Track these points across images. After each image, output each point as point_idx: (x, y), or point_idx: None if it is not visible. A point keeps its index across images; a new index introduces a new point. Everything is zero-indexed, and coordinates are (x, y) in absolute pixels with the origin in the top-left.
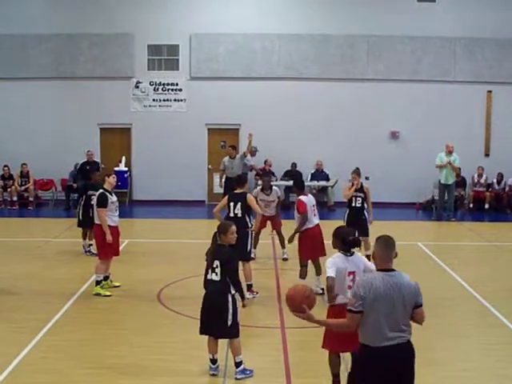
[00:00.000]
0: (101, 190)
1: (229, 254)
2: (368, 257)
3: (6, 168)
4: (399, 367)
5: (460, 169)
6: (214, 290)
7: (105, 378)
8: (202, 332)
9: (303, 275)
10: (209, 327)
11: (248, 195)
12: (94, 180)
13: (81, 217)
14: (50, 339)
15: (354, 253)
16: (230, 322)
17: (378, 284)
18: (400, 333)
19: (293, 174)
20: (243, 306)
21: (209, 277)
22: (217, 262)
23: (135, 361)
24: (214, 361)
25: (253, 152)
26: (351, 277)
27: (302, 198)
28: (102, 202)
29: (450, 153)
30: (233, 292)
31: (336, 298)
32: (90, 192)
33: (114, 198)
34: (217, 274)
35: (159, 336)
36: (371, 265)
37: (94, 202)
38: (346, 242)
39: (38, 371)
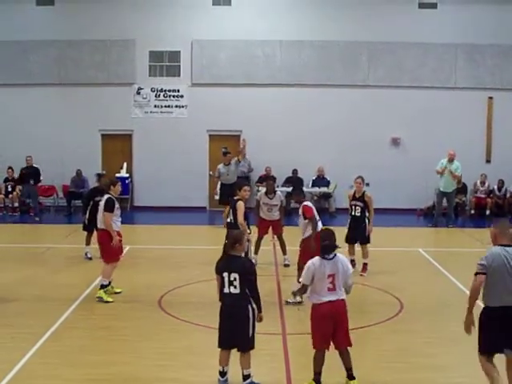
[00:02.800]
0: (108, 196)
1: (248, 265)
2: (365, 265)
3: (10, 170)
4: (509, 318)
5: (461, 175)
6: (234, 304)
7: None
8: (222, 346)
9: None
10: (232, 341)
11: (238, 202)
12: (102, 186)
13: (86, 221)
14: (51, 345)
15: (335, 255)
16: (251, 334)
17: (498, 255)
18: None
19: (294, 180)
20: (259, 319)
21: (226, 290)
22: (235, 275)
23: (136, 367)
24: (223, 374)
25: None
26: (330, 279)
27: (307, 203)
28: (110, 207)
29: (451, 160)
30: (253, 303)
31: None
32: (98, 198)
33: (117, 205)
34: (235, 287)
35: (160, 342)
36: (350, 269)
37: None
38: (322, 245)
39: (38, 377)
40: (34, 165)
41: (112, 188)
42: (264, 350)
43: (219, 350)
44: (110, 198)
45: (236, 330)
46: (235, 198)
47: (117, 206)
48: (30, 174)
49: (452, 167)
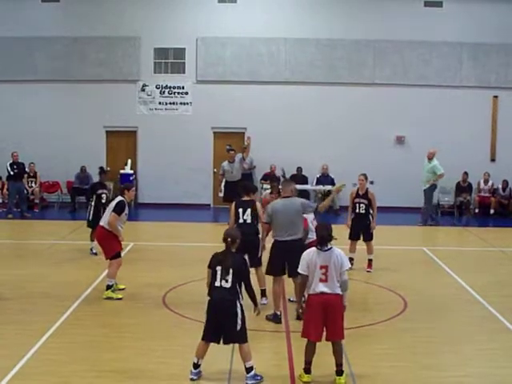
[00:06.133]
0: (121, 198)
1: (243, 262)
2: (370, 261)
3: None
4: (289, 250)
5: (443, 173)
6: (224, 297)
7: (109, 381)
8: (209, 339)
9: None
10: (218, 334)
11: (257, 203)
12: (102, 180)
13: (91, 217)
14: (55, 342)
15: (331, 248)
16: (238, 327)
17: (278, 206)
18: (291, 234)
19: (298, 178)
20: (257, 313)
21: (217, 284)
22: (230, 270)
23: (139, 365)
24: (197, 365)
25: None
26: (323, 270)
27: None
28: (120, 210)
29: (430, 159)
30: (241, 299)
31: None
32: (100, 191)
33: (127, 211)
34: (227, 282)
35: (163, 340)
36: (346, 264)
37: (104, 200)
38: (317, 237)
39: (42, 374)
40: (19, 160)
41: (126, 192)
42: (268, 348)
43: (201, 341)
44: (122, 200)
45: (223, 324)
46: (245, 198)
47: (126, 211)
48: (22, 169)
49: (428, 167)
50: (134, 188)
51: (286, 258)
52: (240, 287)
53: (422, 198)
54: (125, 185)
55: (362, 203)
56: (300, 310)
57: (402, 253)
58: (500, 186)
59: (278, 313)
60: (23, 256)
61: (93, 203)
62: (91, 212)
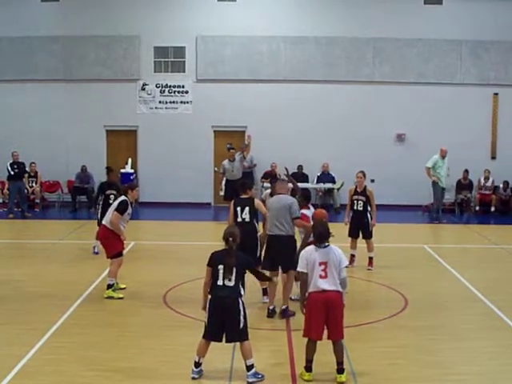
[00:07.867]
0: (124, 198)
1: (246, 259)
2: (371, 259)
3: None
4: (278, 244)
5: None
6: (226, 295)
7: (110, 380)
8: (210, 338)
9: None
10: (220, 333)
11: (256, 200)
12: (111, 179)
13: (99, 216)
14: (56, 341)
15: (328, 245)
16: (241, 325)
17: (274, 199)
18: (281, 229)
19: (299, 176)
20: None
21: (219, 283)
22: (234, 269)
23: (140, 364)
24: (198, 364)
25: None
26: (322, 267)
27: (303, 211)
28: (122, 209)
29: (444, 157)
30: (242, 297)
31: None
32: (109, 191)
33: (130, 210)
34: (230, 280)
35: (164, 339)
36: (344, 261)
37: (112, 201)
38: (315, 234)
39: (43, 373)
40: (20, 160)
41: (130, 192)
42: (269, 346)
43: (202, 340)
44: (125, 200)
45: (225, 322)
46: (244, 196)
47: (129, 211)
48: (22, 169)
49: (445, 164)
50: (137, 188)
51: (275, 253)
52: (243, 285)
53: (442, 196)
54: (129, 184)
55: (360, 200)
56: (290, 309)
57: (403, 250)
58: (501, 186)
59: (271, 307)
60: (24, 255)
61: (101, 203)
62: (99, 211)
